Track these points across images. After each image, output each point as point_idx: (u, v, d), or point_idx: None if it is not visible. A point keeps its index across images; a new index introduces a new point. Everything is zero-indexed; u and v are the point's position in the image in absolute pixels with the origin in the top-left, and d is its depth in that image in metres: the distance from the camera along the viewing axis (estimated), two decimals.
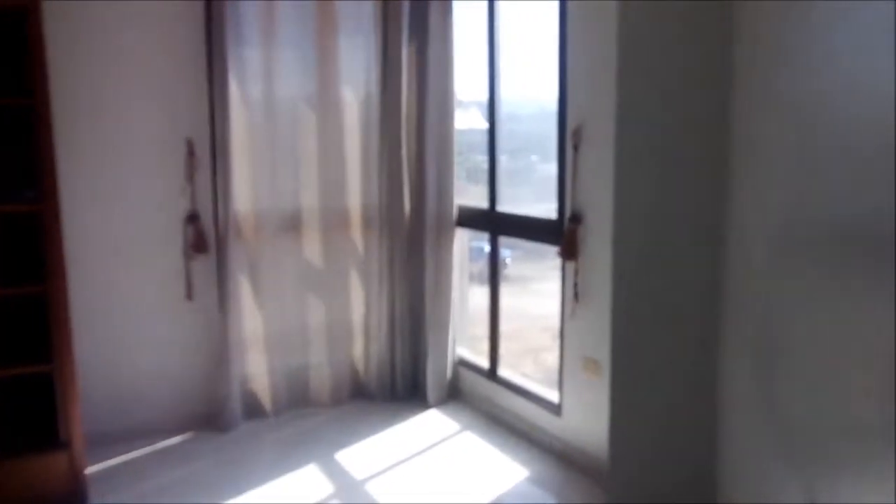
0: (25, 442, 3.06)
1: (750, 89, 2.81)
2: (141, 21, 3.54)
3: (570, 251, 3.20)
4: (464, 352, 4.29)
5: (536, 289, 5.26)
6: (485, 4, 3.83)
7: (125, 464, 3.46)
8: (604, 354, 3.06)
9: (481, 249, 4.69)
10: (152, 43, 3.57)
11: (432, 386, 4.11)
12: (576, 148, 3.13)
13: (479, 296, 4.39)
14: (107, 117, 3.51)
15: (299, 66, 3.87)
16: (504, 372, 3.97)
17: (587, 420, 3.25)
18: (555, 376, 3.51)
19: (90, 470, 3.18)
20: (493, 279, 3.94)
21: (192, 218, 3.66)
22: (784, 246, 2.71)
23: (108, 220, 3.56)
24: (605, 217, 2.98)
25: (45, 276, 2.97)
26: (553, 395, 3.55)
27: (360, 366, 4.19)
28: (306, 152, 3.94)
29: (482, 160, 4.06)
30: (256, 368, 3.92)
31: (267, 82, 3.78)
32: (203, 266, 3.73)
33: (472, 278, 4.57)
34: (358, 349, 4.17)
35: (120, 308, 3.63)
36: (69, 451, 3.03)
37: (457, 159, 4.04)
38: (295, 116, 3.91)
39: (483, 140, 3.98)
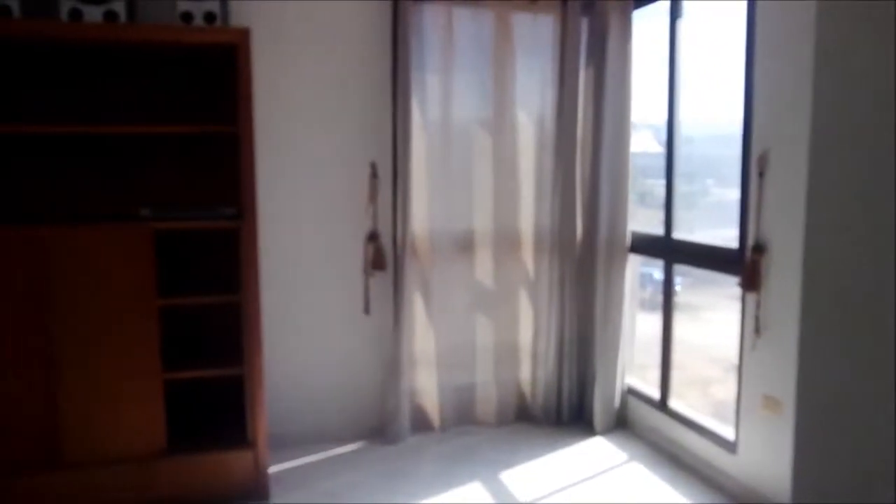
0: (217, 439, 3.31)
1: None
2: (333, 54, 3.77)
3: (751, 282, 3.05)
4: (632, 380, 4.18)
5: (706, 318, 5.04)
6: (665, 22, 3.74)
7: (302, 466, 3.65)
8: (787, 392, 2.88)
9: (650, 276, 4.57)
10: (343, 73, 3.80)
11: (599, 413, 4.03)
12: (761, 174, 2.98)
13: (646, 323, 4.28)
14: (299, 142, 3.77)
15: (476, 90, 3.97)
16: (674, 403, 3.83)
17: (766, 460, 3.06)
18: (725, 411, 3.35)
19: (272, 469, 3.40)
20: (667, 307, 3.82)
21: (373, 236, 3.84)
22: None
23: (297, 237, 3.81)
24: (792, 248, 2.82)
25: (240, 287, 3.23)
26: (727, 432, 3.38)
27: (527, 388, 4.19)
28: (481, 174, 4.02)
29: (653, 184, 3.96)
30: (426, 384, 4.03)
31: (445, 106, 3.91)
32: (380, 282, 3.90)
33: (640, 305, 4.45)
34: (525, 371, 4.18)
35: (304, 319, 3.86)
36: (254, 449, 3.25)
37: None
38: (470, 139, 4.01)
39: (654, 164, 3.89)
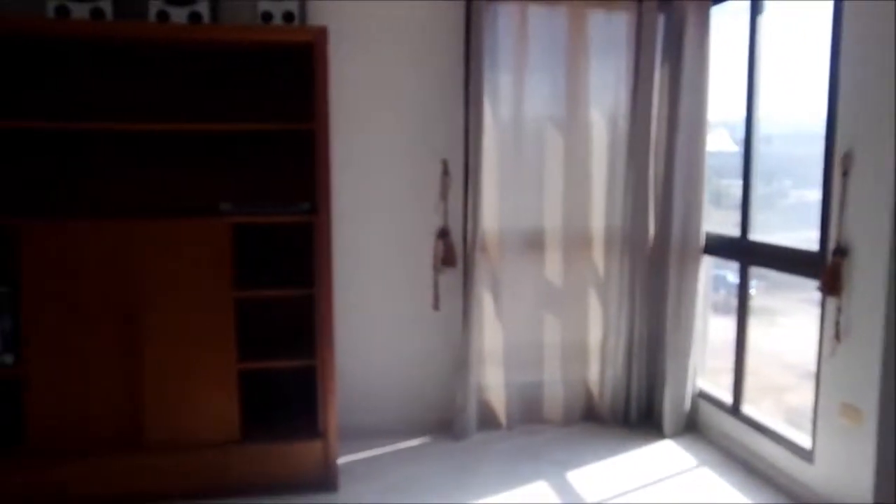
0: (288, 429, 3.39)
1: None
2: (407, 52, 3.82)
3: (832, 286, 2.95)
4: (704, 384, 4.10)
5: (780, 323, 4.89)
6: (744, 18, 3.65)
7: (369, 458, 3.71)
8: (868, 400, 2.78)
9: (723, 278, 4.47)
10: (415, 71, 3.84)
11: (669, 416, 3.97)
12: (845, 173, 2.89)
13: (719, 327, 4.19)
14: (372, 139, 3.83)
15: (548, 88, 3.95)
16: (747, 409, 3.73)
17: (846, 471, 2.96)
18: (798, 418, 3.26)
19: (341, 460, 3.46)
20: (741, 311, 3.72)
21: (443, 233, 3.87)
22: None
23: (369, 232, 3.87)
24: (879, 252, 2.72)
25: (314, 281, 3.30)
26: (803, 440, 3.28)
27: (595, 388, 4.16)
28: (552, 173, 4.00)
29: (727, 184, 3.87)
30: (493, 381, 4.04)
31: (517, 104, 3.90)
32: (450, 279, 3.92)
33: (713, 308, 4.35)
34: (593, 371, 4.15)
35: (374, 313, 3.92)
36: (325, 440, 3.32)
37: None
38: (542, 137, 3.99)
39: (730, 163, 3.79)
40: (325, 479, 3.33)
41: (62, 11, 3.04)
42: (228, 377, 3.22)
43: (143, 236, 3.11)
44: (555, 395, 4.12)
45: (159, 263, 3.12)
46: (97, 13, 3.07)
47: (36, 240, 3.04)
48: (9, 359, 3.14)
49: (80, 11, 3.06)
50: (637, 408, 4.09)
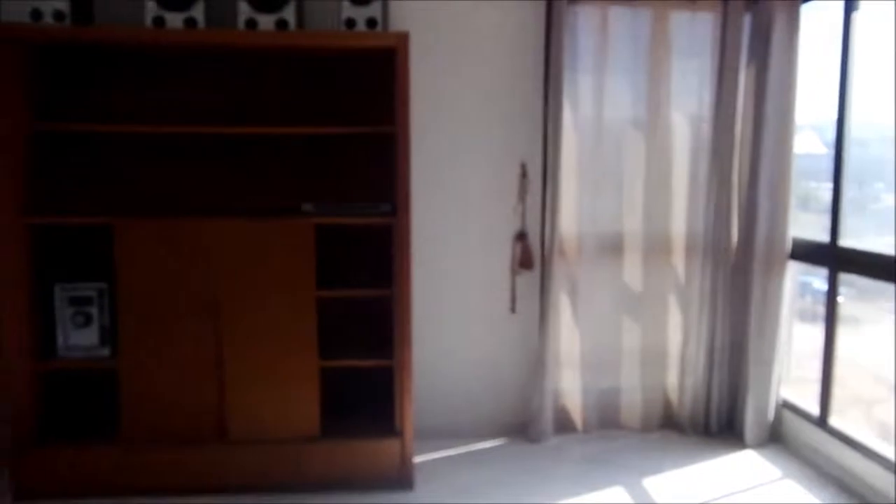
0: (366, 427, 3.45)
1: None
2: (486, 55, 3.83)
3: None
4: (788, 394, 3.97)
5: (869, 332, 4.69)
6: (837, 16, 3.52)
7: (444, 459, 3.74)
8: None
9: (807, 284, 4.33)
10: (494, 74, 3.85)
11: (751, 426, 3.87)
12: None
13: (804, 335, 4.05)
14: (450, 141, 3.86)
15: (629, 90, 3.90)
16: (835, 421, 3.60)
17: None
18: (891, 433, 3.11)
19: (416, 459, 3.50)
20: (830, 319, 3.59)
21: (521, 236, 3.87)
22: None
23: (448, 234, 3.90)
24: None
25: (393, 281, 3.35)
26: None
27: (674, 395, 4.08)
28: (631, 176, 3.95)
29: (815, 187, 3.74)
30: (569, 385, 4.02)
31: (597, 106, 3.87)
32: (527, 282, 3.92)
33: (799, 316, 4.21)
34: (672, 378, 4.07)
35: (451, 314, 3.95)
36: (401, 439, 3.36)
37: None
38: (622, 140, 3.95)
39: (817, 165, 3.66)
40: (401, 478, 3.37)
41: (159, 21, 3.18)
42: (309, 374, 3.30)
43: (230, 235, 3.23)
44: (632, 401, 4.06)
45: (245, 262, 3.23)
46: (190, 22, 3.20)
47: (130, 238, 3.19)
48: (106, 351, 3.31)
49: (175, 21, 3.20)
50: (718, 416, 4.00)
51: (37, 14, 3.13)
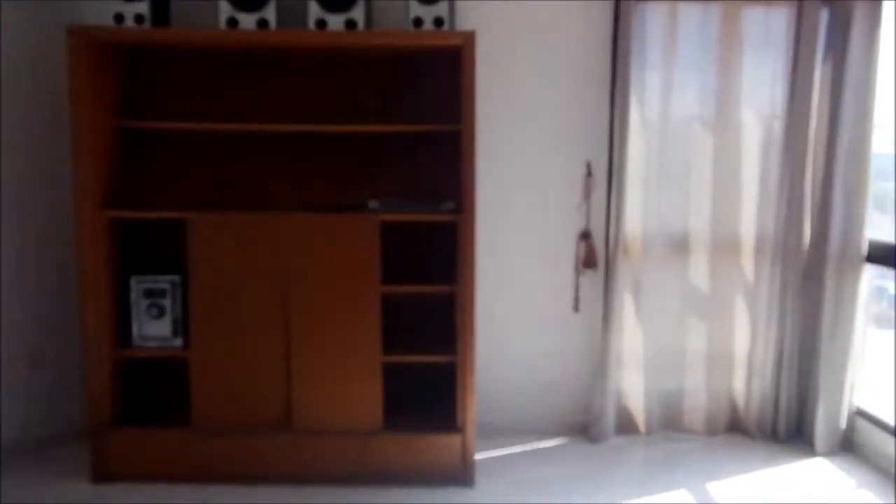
0: (427, 422, 3.49)
1: None
2: (552, 52, 3.83)
3: None
4: (862, 401, 3.84)
5: None
6: None
7: (505, 456, 3.74)
8: None
9: (883, 289, 4.19)
10: (560, 72, 3.84)
11: (822, 433, 3.76)
12: None
13: (880, 341, 3.93)
14: (515, 138, 3.86)
15: (698, 88, 3.84)
16: None
17: None
18: None
19: (477, 456, 3.51)
20: None
21: (585, 235, 3.86)
22: None
23: (511, 232, 3.91)
24: None
25: (456, 278, 3.38)
26: None
27: (740, 399, 4.00)
28: (699, 175, 3.88)
29: (892, 188, 3.61)
30: (632, 386, 3.98)
31: (664, 104, 3.82)
32: (591, 281, 3.90)
33: (875, 321, 4.08)
34: (738, 381, 3.99)
35: (513, 312, 3.96)
36: (463, 435, 3.38)
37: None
38: (690, 138, 3.88)
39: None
40: (462, 474, 3.40)
41: (232, 22, 3.28)
42: (373, 368, 3.35)
43: (298, 230, 3.30)
44: (697, 403, 3.99)
45: (313, 257, 3.30)
46: (262, 23, 3.29)
47: (202, 231, 3.30)
48: (178, 342, 3.43)
49: (248, 22, 3.29)
50: (786, 422, 3.90)
51: (119, 17, 3.27)
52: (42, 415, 3.76)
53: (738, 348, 3.97)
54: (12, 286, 3.64)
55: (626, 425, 3.99)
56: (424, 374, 3.59)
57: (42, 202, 3.70)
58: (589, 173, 3.84)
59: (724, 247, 3.89)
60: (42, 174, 3.70)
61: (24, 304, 3.69)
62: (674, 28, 3.75)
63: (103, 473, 3.35)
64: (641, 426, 3.99)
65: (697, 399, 3.99)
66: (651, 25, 3.75)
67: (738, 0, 3.72)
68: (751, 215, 3.88)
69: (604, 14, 3.76)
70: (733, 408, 4.01)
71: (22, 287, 3.68)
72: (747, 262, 3.91)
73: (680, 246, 3.92)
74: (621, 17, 3.66)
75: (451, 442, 3.40)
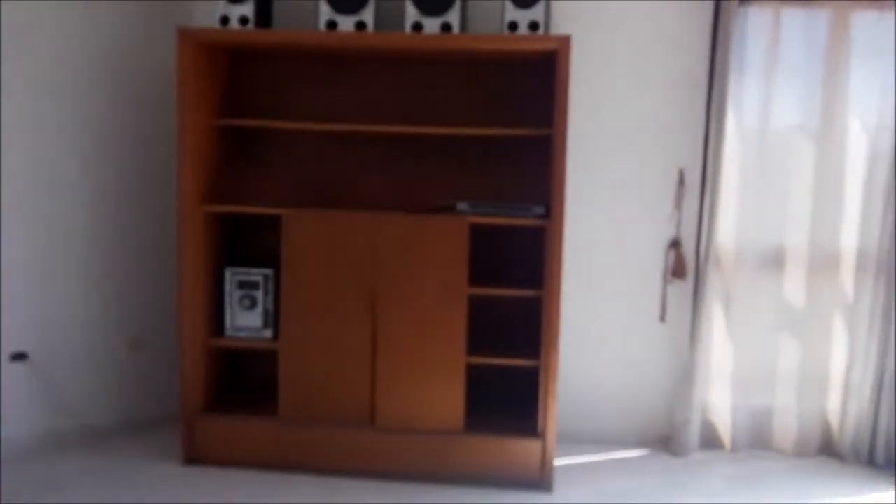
0: (508, 425, 3.48)
1: None
2: (647, 57, 3.77)
3: None
4: None
5: None
6: None
7: (584, 464, 3.70)
8: None
9: None
10: (655, 76, 3.78)
11: None
12: None
13: None
14: (605, 143, 3.82)
15: (801, 96, 3.71)
16: None
17: None
18: None
19: (557, 462, 3.49)
20: None
21: (675, 244, 3.78)
22: None
23: (599, 238, 3.87)
24: None
25: (543, 283, 3.36)
26: None
27: (834, 420, 3.84)
28: (798, 186, 3.75)
29: None
30: (718, 400, 3.88)
31: (764, 112, 3.71)
32: (679, 291, 3.82)
33: None
34: (833, 402, 3.83)
35: (598, 319, 3.92)
36: (543, 441, 3.37)
37: None
38: (790, 148, 3.75)
39: None
40: (541, 479, 3.38)
41: (331, 25, 3.36)
42: (456, 369, 3.37)
43: (389, 229, 3.35)
44: (787, 422, 3.85)
45: (401, 256, 3.35)
46: (360, 25, 3.36)
47: (296, 227, 3.39)
48: (268, 334, 3.53)
49: (346, 24, 3.36)
50: (885, 447, 3.71)
51: (225, 20, 3.39)
52: (138, 398, 3.94)
53: (834, 368, 3.81)
54: (115, 274, 3.84)
55: (710, 440, 3.89)
56: (504, 376, 3.59)
57: (143, 195, 3.89)
58: (681, 181, 3.76)
59: (823, 261, 3.75)
60: (143, 169, 3.87)
61: (125, 291, 3.89)
62: (777, 32, 3.63)
63: (194, 456, 3.49)
64: (727, 442, 3.89)
65: (788, 418, 3.86)
66: (753, 29, 3.65)
67: (848, 3, 3.58)
68: (853, 230, 3.72)
69: (702, 16, 3.67)
70: (826, 429, 3.86)
71: (124, 275, 3.87)
72: (847, 279, 3.76)
73: (775, 259, 3.79)
74: (721, 20, 3.57)
75: (531, 447, 3.39)
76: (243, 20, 3.39)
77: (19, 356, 3.53)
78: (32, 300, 3.58)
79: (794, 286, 3.80)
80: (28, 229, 3.54)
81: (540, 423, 3.38)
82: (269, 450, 3.46)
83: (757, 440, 3.90)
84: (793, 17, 3.63)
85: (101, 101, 3.71)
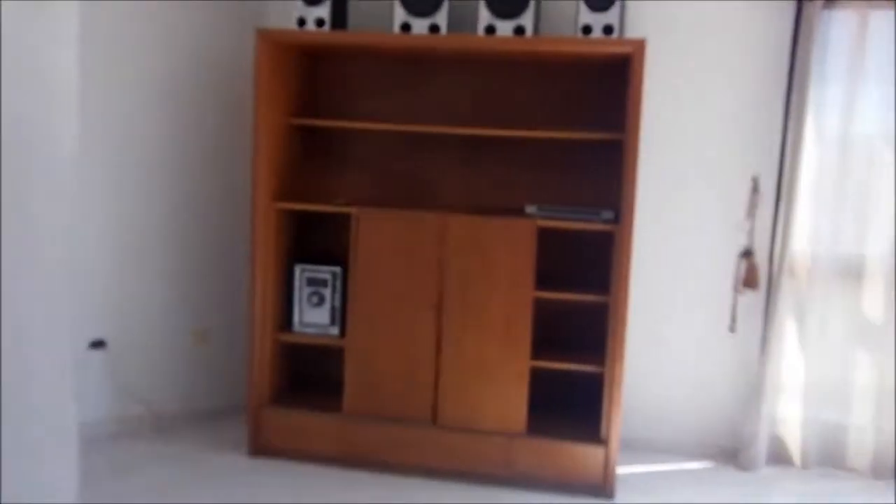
0: (571, 430, 3.46)
1: None
2: (723, 61, 3.70)
3: None
4: None
5: None
6: None
7: (647, 473, 3.65)
8: None
9: None
10: (731, 81, 3.70)
11: None
12: None
13: None
14: (678, 149, 3.76)
15: (886, 102, 3.57)
16: None
17: None
18: None
19: (619, 470, 3.45)
20: None
21: (747, 253, 3.69)
22: None
23: (668, 245, 3.81)
24: None
25: (610, 288, 3.33)
26: None
27: None
28: (880, 196, 3.62)
29: None
30: (789, 414, 3.77)
31: (845, 119, 3.59)
32: (750, 302, 3.73)
33: None
34: None
35: (665, 326, 3.85)
36: (606, 448, 3.33)
37: None
38: (873, 156, 3.63)
39: None
40: (603, 486, 3.35)
41: (405, 27, 3.40)
42: (520, 372, 3.37)
43: (457, 231, 3.37)
44: (862, 441, 3.71)
45: (468, 257, 3.36)
46: (434, 28, 3.39)
47: (365, 226, 3.44)
48: (335, 330, 3.59)
49: (420, 26, 3.39)
50: None
51: (302, 21, 3.46)
52: (206, 389, 4.05)
53: None
54: (187, 267, 3.96)
55: (779, 455, 3.78)
56: (568, 381, 3.57)
57: (217, 192, 4.00)
58: (756, 189, 3.67)
59: None
60: (218, 166, 3.99)
61: (195, 284, 4.00)
62: (862, 37, 3.52)
63: (259, 448, 3.56)
64: (796, 458, 3.77)
65: (862, 436, 3.72)
66: (836, 33, 3.55)
67: None
68: None
69: (783, 20, 3.58)
70: None
71: (195, 268, 3.99)
72: None
73: (853, 270, 3.67)
74: (802, 23, 3.48)
75: (593, 453, 3.36)
76: (319, 22, 3.45)
77: (98, 343, 3.67)
78: (109, 290, 3.72)
79: (872, 298, 3.67)
80: (108, 224, 3.69)
81: (603, 429, 3.35)
82: (332, 444, 3.51)
83: (828, 457, 3.77)
84: (880, 20, 3.51)
85: (180, 100, 3.83)
